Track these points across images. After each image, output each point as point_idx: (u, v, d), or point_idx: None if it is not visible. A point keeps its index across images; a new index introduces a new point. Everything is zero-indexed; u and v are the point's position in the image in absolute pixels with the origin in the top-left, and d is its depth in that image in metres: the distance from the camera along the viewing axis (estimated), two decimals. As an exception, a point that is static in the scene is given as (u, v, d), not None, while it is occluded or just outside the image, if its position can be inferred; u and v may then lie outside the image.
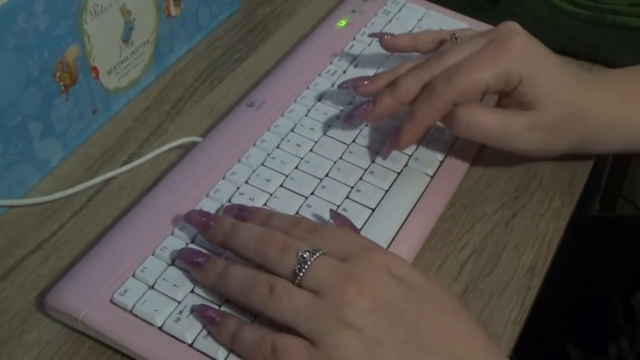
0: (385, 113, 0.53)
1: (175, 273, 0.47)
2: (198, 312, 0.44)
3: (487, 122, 0.51)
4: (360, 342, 0.39)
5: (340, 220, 0.47)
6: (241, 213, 0.47)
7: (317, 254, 0.41)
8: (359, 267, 0.41)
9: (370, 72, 0.62)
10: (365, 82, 0.55)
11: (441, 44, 0.57)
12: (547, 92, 0.51)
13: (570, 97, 0.51)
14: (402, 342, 0.39)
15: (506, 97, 0.52)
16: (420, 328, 0.39)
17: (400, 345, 0.39)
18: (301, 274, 0.41)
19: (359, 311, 0.39)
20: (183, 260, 0.46)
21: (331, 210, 0.48)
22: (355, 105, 0.55)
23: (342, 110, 0.58)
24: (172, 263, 0.47)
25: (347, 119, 0.56)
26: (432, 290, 0.41)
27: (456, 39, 0.56)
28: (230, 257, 0.46)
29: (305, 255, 0.41)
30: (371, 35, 0.61)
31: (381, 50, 0.64)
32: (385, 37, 0.59)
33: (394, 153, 0.55)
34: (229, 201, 0.51)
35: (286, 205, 0.51)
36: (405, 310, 0.40)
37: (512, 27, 0.52)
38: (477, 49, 0.51)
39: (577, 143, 0.53)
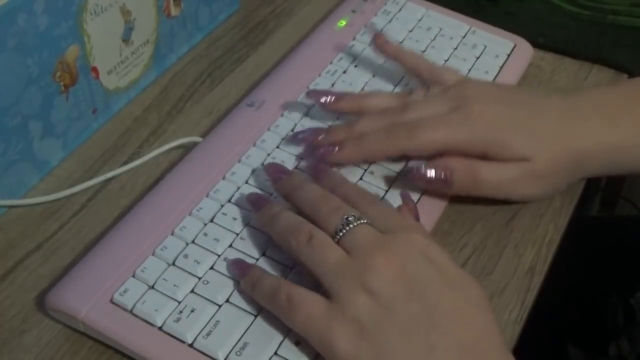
0: (349, 163, 0.53)
1: (175, 273, 0.47)
2: (231, 263, 0.47)
3: (485, 177, 0.51)
4: (374, 307, 0.40)
5: (406, 200, 0.48)
6: (317, 174, 0.50)
7: (361, 221, 0.43)
8: (396, 240, 0.43)
9: (370, 72, 0.62)
10: (328, 99, 0.55)
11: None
12: (527, 146, 0.50)
13: (559, 144, 0.51)
14: (415, 316, 0.40)
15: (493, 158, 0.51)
16: (437, 309, 0.40)
17: (412, 319, 0.40)
18: (341, 233, 0.43)
19: (381, 278, 0.41)
20: (249, 199, 0.49)
21: (403, 192, 0.50)
22: (320, 146, 0.52)
23: (342, 110, 0.58)
24: (172, 263, 0.47)
25: (307, 155, 0.54)
26: (461, 280, 0.42)
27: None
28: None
29: (350, 219, 0.43)
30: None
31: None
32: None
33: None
34: (229, 201, 0.51)
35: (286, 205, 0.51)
36: (427, 289, 0.41)
37: (467, 91, 0.52)
38: (441, 110, 0.51)
39: (575, 179, 0.54)
